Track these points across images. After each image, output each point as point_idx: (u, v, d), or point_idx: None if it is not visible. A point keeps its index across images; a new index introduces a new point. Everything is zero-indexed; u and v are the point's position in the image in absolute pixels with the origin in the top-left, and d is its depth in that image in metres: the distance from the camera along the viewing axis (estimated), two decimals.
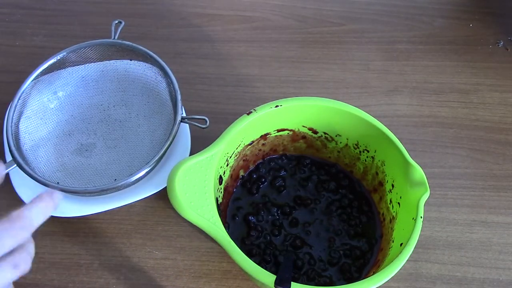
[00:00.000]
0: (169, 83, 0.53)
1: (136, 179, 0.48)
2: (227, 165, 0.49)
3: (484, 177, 0.58)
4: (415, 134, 0.60)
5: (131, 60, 0.56)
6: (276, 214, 0.51)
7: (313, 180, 0.53)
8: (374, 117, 0.48)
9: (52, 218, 0.50)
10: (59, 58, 0.53)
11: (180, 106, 0.51)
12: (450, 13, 0.73)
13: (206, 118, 0.50)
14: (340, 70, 0.65)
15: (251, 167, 0.54)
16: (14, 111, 0.50)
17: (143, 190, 0.51)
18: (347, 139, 0.52)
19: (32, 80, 0.52)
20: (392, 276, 0.40)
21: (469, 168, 0.58)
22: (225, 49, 0.67)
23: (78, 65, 0.55)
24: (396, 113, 0.62)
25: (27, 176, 0.47)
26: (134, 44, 0.54)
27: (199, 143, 0.50)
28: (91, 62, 0.56)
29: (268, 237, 0.49)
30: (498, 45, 0.69)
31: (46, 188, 0.47)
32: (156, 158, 0.48)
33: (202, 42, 0.67)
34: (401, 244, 0.43)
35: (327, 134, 0.52)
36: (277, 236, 0.50)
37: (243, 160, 0.52)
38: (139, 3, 0.71)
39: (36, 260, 0.49)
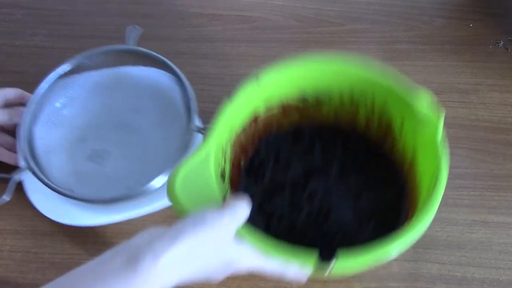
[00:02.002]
0: (184, 91, 0.52)
1: (152, 189, 0.47)
2: (225, 159, 0.46)
3: (484, 177, 0.58)
4: None
5: (145, 66, 0.55)
6: (291, 194, 0.48)
7: (317, 149, 0.50)
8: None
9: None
10: (73, 63, 0.53)
11: (194, 115, 0.50)
12: (450, 13, 0.73)
13: None
14: None
15: (250, 153, 0.51)
16: (28, 116, 0.50)
17: (158, 201, 0.49)
18: (340, 96, 0.49)
19: (46, 85, 0.52)
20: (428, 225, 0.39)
21: (469, 168, 0.58)
22: (225, 49, 0.66)
23: (92, 70, 0.55)
24: None
25: (40, 182, 0.47)
26: (149, 51, 0.53)
27: None
28: (105, 68, 0.55)
29: (290, 221, 0.46)
30: (498, 45, 0.69)
31: (58, 195, 0.47)
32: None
33: (202, 42, 0.67)
34: (428, 190, 0.41)
35: (318, 97, 0.49)
36: (299, 216, 0.47)
37: (240, 147, 0.49)
38: (140, 3, 0.71)
39: (36, 260, 0.50)
